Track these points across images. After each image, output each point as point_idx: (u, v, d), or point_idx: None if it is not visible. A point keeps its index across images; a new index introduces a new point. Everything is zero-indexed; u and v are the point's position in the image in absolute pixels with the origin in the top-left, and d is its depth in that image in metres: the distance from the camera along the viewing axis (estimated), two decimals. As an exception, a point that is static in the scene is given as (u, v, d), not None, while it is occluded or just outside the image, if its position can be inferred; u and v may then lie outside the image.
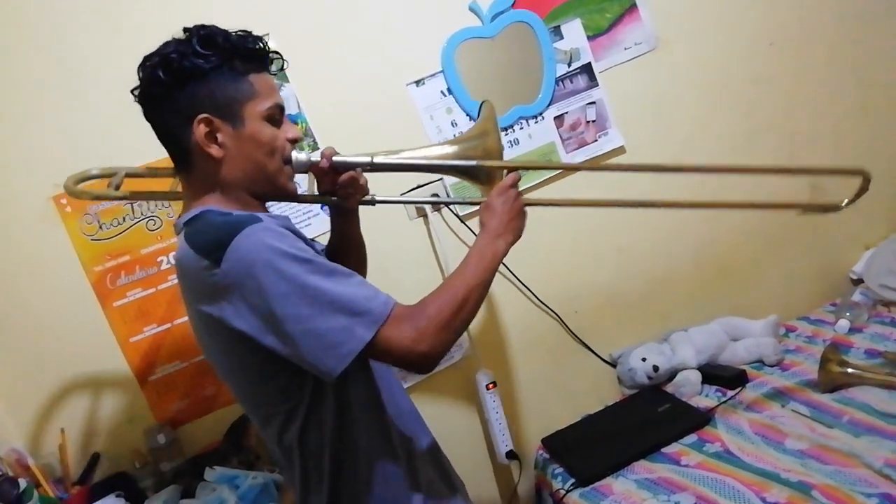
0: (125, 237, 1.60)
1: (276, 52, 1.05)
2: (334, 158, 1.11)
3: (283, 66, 1.08)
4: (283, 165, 1.05)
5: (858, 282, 2.10)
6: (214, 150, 0.98)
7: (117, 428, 1.64)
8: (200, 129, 0.97)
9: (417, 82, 1.75)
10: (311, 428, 1.02)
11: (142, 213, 1.61)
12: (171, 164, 1.07)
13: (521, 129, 1.83)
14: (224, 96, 0.97)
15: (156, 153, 1.41)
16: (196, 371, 1.67)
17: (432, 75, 1.75)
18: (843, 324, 1.91)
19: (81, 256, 1.58)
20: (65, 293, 1.58)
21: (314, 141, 1.69)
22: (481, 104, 1.24)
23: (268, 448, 1.16)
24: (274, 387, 1.01)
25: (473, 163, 1.14)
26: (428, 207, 1.74)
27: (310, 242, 1.02)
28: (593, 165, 1.27)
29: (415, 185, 1.73)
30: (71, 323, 1.59)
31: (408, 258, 1.77)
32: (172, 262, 1.62)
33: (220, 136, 0.98)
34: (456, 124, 1.78)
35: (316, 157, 1.10)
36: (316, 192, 1.19)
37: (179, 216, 1.04)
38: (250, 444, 1.62)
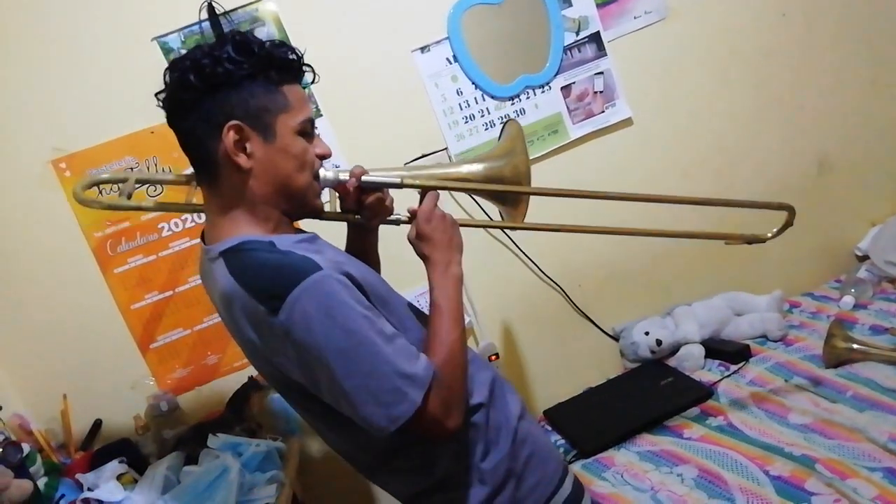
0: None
1: (309, 65, 1.00)
2: (363, 178, 1.06)
3: (314, 79, 1.03)
4: (313, 181, 1.00)
5: (864, 258, 2.09)
6: (243, 160, 0.92)
7: (119, 394, 1.63)
8: (230, 137, 0.91)
9: (423, 49, 1.71)
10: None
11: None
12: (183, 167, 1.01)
13: (528, 98, 1.79)
14: (256, 106, 0.92)
15: (159, 117, 1.40)
16: (198, 339, 1.66)
17: (438, 42, 1.72)
18: (848, 300, 1.90)
19: (81, 222, 1.56)
20: (65, 259, 1.57)
21: (316, 108, 1.66)
22: (505, 123, 1.23)
23: (348, 455, 1.08)
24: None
25: (502, 187, 1.15)
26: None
27: (357, 280, 0.93)
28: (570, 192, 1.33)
29: (419, 155, 1.72)
30: (72, 289, 1.58)
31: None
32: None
33: (249, 147, 0.93)
34: (461, 93, 1.75)
35: (344, 175, 1.05)
36: (339, 210, 1.13)
37: (207, 239, 0.99)
38: (252, 412, 1.62)
